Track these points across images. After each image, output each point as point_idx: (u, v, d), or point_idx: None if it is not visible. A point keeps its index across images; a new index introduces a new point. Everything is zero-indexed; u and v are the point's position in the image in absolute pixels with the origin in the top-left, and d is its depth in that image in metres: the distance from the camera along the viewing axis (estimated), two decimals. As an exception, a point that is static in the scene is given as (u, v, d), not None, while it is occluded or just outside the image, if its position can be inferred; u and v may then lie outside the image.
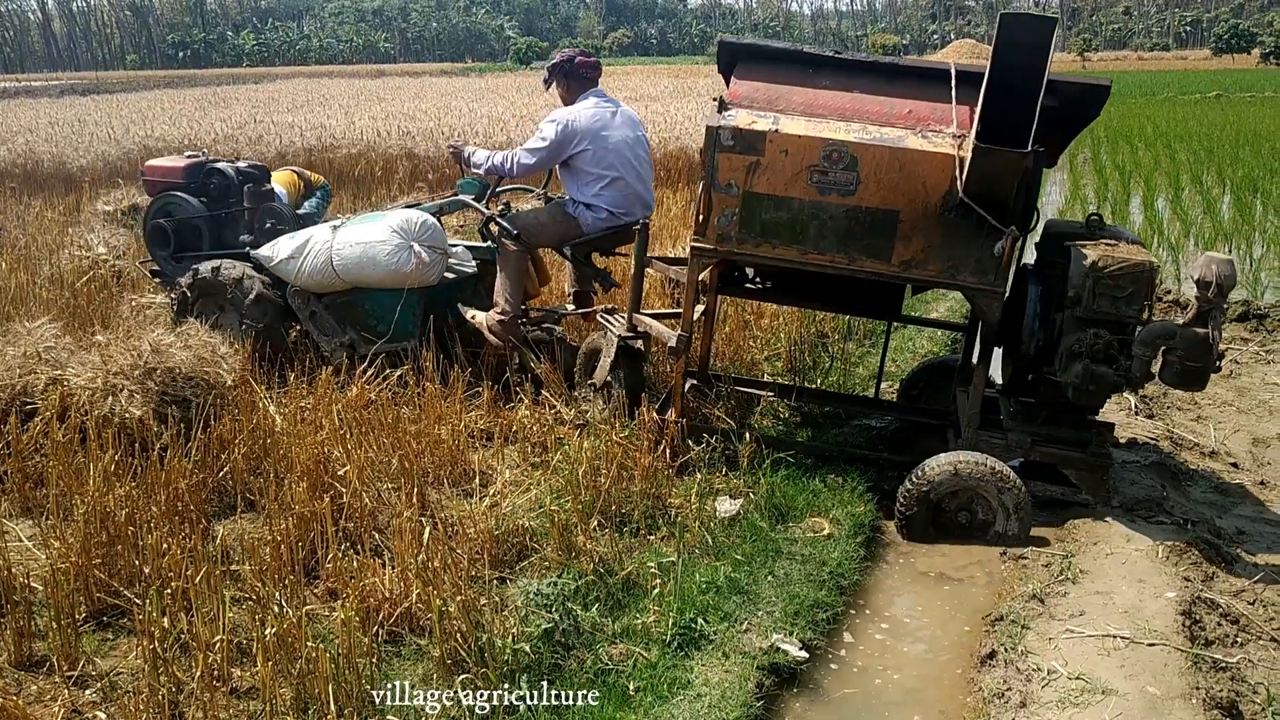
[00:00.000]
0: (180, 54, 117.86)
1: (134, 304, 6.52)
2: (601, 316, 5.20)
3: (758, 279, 5.13)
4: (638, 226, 4.91)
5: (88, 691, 3.00)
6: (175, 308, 5.72)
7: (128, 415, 4.37)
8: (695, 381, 4.97)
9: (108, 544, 3.49)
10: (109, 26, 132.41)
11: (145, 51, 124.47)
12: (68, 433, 4.21)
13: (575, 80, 5.39)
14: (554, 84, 5.46)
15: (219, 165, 6.37)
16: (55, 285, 7.17)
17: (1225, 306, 4.14)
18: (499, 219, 5.32)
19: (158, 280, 6.52)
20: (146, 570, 3.41)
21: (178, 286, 5.74)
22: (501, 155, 5.37)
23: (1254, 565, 4.01)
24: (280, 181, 7.02)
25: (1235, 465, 5.06)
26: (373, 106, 21.43)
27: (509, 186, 5.65)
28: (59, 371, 4.65)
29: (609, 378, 4.92)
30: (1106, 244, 4.20)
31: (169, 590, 3.21)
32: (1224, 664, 3.25)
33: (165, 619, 3.04)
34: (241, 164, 6.50)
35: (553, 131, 5.21)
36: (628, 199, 5.30)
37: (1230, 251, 9.51)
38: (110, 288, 7.27)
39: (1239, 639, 3.45)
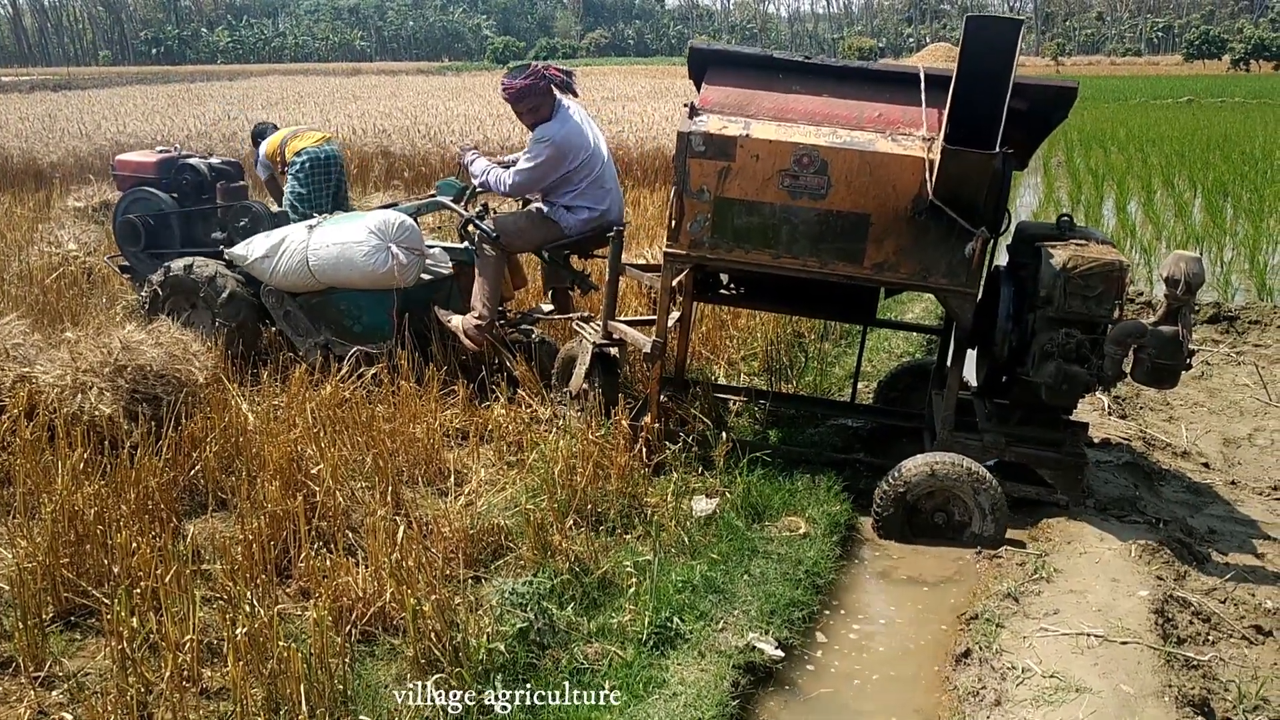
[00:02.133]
0: (154, 50, 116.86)
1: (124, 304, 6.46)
2: (577, 324, 5.18)
3: (732, 285, 5.13)
4: (611, 234, 4.88)
5: (54, 692, 2.96)
6: (146, 305, 5.65)
7: (97, 413, 4.31)
8: (671, 390, 4.95)
9: (76, 543, 3.45)
10: (81, 22, 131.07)
11: (118, 48, 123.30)
12: (35, 430, 4.15)
13: (548, 95, 5.16)
14: (525, 105, 5.13)
15: (191, 161, 6.31)
16: (24, 282, 7.07)
17: (1195, 305, 4.18)
18: (478, 222, 5.29)
19: (127, 276, 6.44)
20: (115, 570, 3.37)
21: (148, 284, 5.67)
22: (496, 173, 5.28)
23: (1225, 564, 4.05)
24: (271, 142, 6.96)
25: (1207, 465, 5.11)
26: (348, 104, 21.30)
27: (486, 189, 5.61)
28: (27, 369, 4.59)
29: (585, 385, 4.89)
30: (1077, 244, 4.23)
31: (138, 590, 3.16)
32: (1196, 662, 3.27)
33: (134, 619, 3.00)
34: (215, 160, 6.44)
35: (545, 153, 5.09)
36: (605, 194, 5.28)
37: (1201, 254, 9.61)
38: (80, 284, 7.18)
39: (1211, 637, 3.48)
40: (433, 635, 3.05)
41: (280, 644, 2.92)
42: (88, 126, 16.16)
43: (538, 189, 5.30)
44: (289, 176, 6.99)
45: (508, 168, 5.28)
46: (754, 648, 3.33)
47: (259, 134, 7.38)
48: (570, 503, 4.03)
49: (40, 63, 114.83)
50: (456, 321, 5.36)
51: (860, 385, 5.55)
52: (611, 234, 4.87)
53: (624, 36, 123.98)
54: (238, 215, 6.01)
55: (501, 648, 3.11)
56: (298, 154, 7.00)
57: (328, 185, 7.14)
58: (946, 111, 3.89)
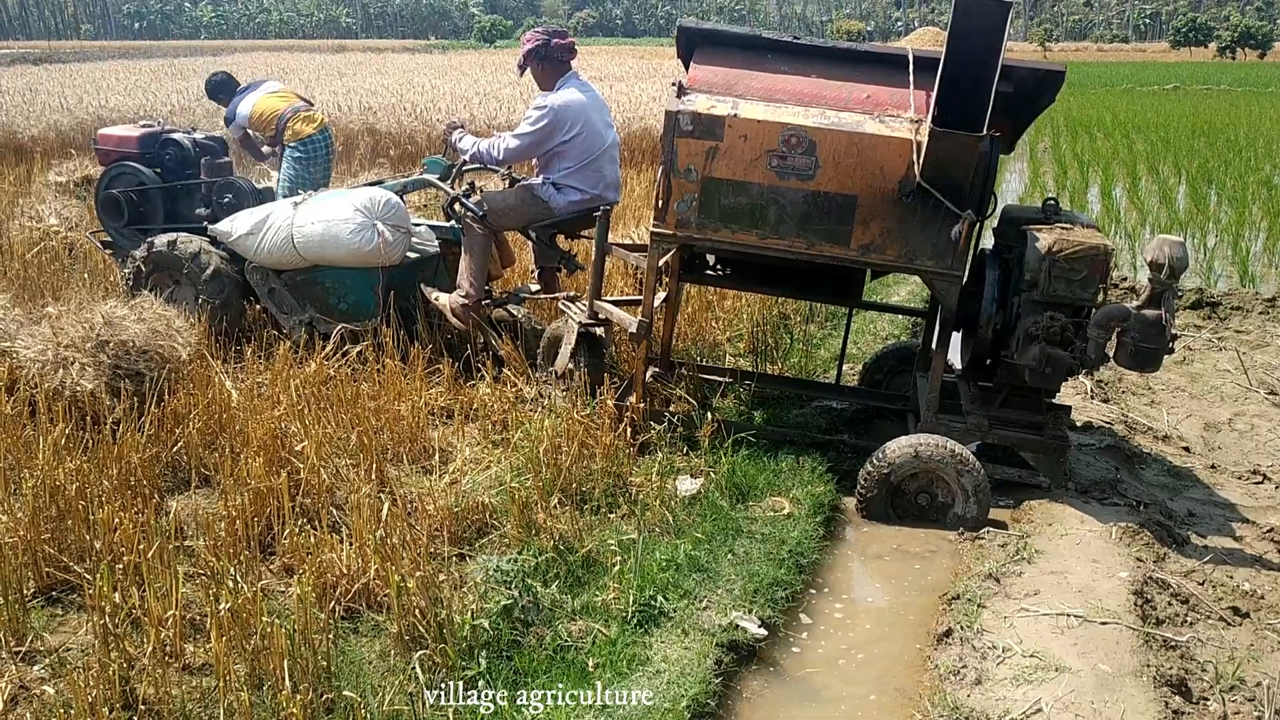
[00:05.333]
0: (136, 25, 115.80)
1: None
2: (562, 304, 5.17)
3: (719, 265, 5.13)
4: (598, 214, 4.88)
5: (36, 668, 2.95)
6: (129, 281, 5.61)
7: (79, 388, 4.28)
8: (657, 369, 4.96)
9: (57, 518, 3.43)
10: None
11: (100, 21, 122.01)
12: (16, 406, 4.12)
13: (552, 63, 5.24)
14: (529, 69, 5.28)
15: (175, 136, 6.26)
16: (5, 256, 7.01)
17: (1179, 290, 4.20)
18: (464, 199, 5.27)
19: (109, 252, 6.40)
20: (97, 545, 3.35)
21: (131, 259, 5.63)
22: (488, 143, 5.27)
23: (1204, 547, 4.08)
24: (258, 106, 6.92)
25: (1187, 449, 5.15)
26: (334, 81, 21.12)
27: (474, 165, 5.58)
28: (7, 343, 4.55)
29: (570, 365, 4.89)
30: (1062, 228, 4.24)
31: (120, 565, 3.15)
32: (1174, 642, 3.30)
33: (116, 594, 2.98)
34: (199, 135, 6.38)
35: (543, 118, 5.08)
36: (600, 181, 5.26)
37: (1184, 240, 9.65)
38: (62, 259, 7.12)
39: (1189, 618, 3.52)
40: (417, 612, 3.05)
41: (264, 620, 2.92)
42: (69, 101, 15.97)
43: (532, 157, 5.29)
44: (289, 159, 6.95)
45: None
46: (737, 626, 3.35)
47: (221, 85, 7.31)
48: (555, 482, 4.02)
49: (20, 36, 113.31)
50: (443, 300, 5.34)
51: (845, 367, 5.57)
52: (598, 213, 4.87)
53: (611, 16, 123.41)
54: (222, 191, 5.97)
55: (486, 625, 3.11)
56: (303, 141, 6.97)
57: (324, 169, 7.13)
58: (934, 94, 3.88)
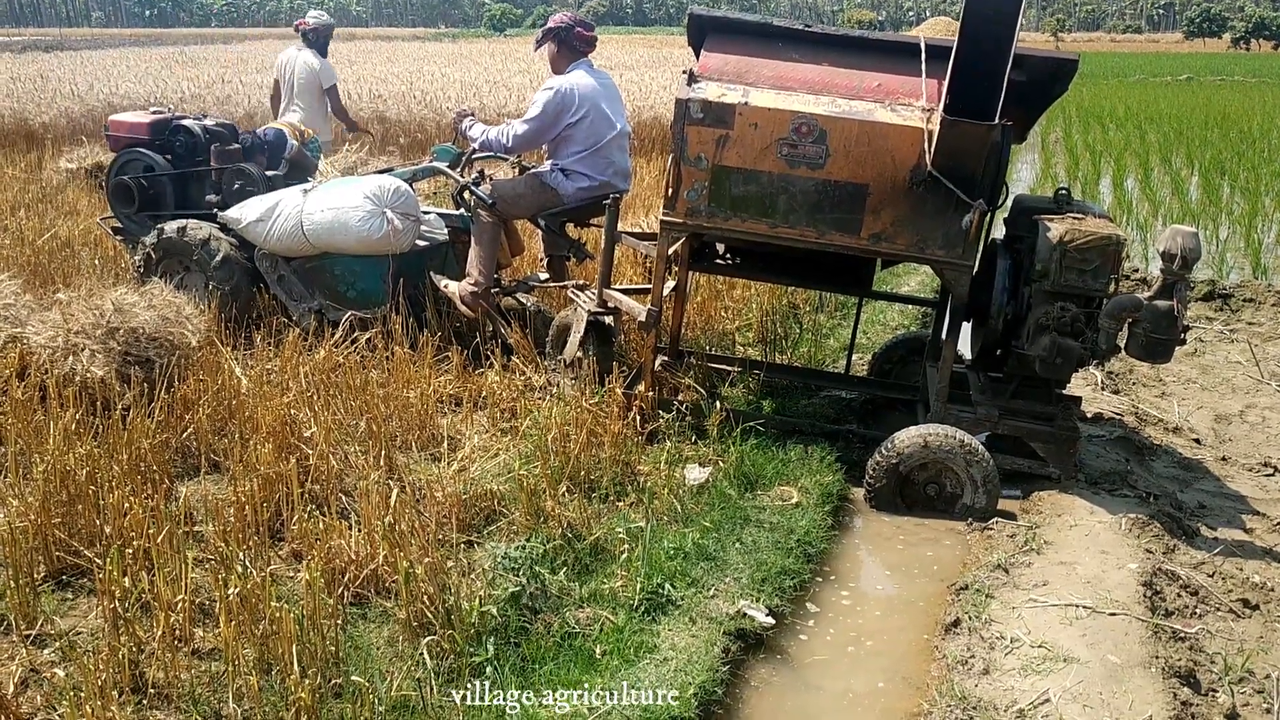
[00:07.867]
0: (147, 12, 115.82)
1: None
2: (571, 292, 5.16)
3: (728, 254, 5.11)
4: (608, 201, 4.87)
5: (46, 651, 2.96)
6: (139, 268, 5.63)
7: (89, 375, 4.30)
8: (666, 358, 4.95)
9: (68, 503, 3.44)
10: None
11: (111, 9, 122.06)
12: (27, 391, 4.13)
13: (567, 48, 5.23)
14: (545, 46, 5.28)
15: (185, 123, 6.25)
16: (16, 243, 7.03)
17: (1191, 281, 4.17)
18: (474, 188, 5.26)
19: (119, 239, 6.41)
20: (107, 530, 3.36)
21: (141, 246, 5.64)
22: (497, 130, 5.26)
23: (1214, 539, 4.07)
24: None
25: (1198, 441, 5.13)
26: (344, 69, 21.04)
27: (484, 153, 5.57)
28: (18, 329, 4.56)
29: (579, 353, 4.88)
30: (1074, 218, 4.22)
31: (130, 550, 3.16)
32: (1183, 634, 3.29)
33: (126, 578, 2.99)
34: (209, 122, 6.38)
35: (550, 101, 5.08)
36: (610, 168, 5.24)
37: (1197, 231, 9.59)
38: (73, 246, 7.13)
39: (1198, 610, 3.51)
40: (425, 598, 3.06)
41: (272, 605, 2.92)
42: (80, 88, 15.99)
43: (542, 142, 5.27)
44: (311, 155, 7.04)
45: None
46: (745, 615, 3.35)
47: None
48: (563, 470, 4.03)
49: (32, 23, 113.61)
50: (452, 288, 5.34)
51: (854, 357, 5.56)
52: (608, 202, 4.85)
53: (622, 5, 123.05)
54: (232, 178, 5.97)
55: (494, 611, 3.12)
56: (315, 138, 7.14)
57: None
58: (946, 82, 3.87)
